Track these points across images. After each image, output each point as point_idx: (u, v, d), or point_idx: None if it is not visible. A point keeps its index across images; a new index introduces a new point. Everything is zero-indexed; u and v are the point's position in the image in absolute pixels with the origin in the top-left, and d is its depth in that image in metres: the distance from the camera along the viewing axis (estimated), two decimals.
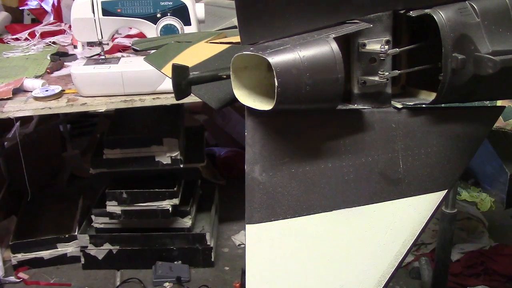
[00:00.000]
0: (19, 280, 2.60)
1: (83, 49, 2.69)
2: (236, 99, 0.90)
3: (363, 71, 0.94)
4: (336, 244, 0.94)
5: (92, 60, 2.27)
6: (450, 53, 0.91)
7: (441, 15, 0.91)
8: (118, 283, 2.57)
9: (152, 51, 1.54)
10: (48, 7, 3.18)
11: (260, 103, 0.87)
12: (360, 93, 0.96)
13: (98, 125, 3.69)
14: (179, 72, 0.97)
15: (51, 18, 3.13)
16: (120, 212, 2.52)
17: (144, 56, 1.49)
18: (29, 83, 2.17)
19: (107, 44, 2.45)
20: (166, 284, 2.55)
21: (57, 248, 2.69)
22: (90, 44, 2.60)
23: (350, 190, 0.94)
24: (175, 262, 2.63)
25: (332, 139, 0.93)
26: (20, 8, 3.27)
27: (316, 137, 0.93)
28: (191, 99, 1.11)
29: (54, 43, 2.84)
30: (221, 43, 1.27)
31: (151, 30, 2.23)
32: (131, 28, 2.81)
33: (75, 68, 2.13)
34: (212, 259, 2.66)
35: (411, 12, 0.94)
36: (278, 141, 0.90)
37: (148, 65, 1.39)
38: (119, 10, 2.17)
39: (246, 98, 0.89)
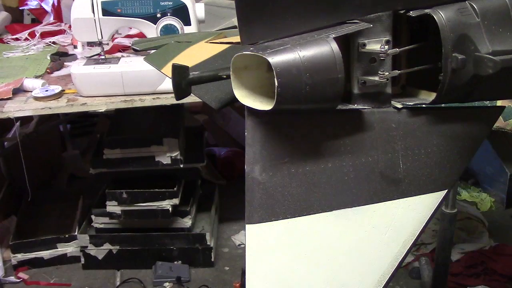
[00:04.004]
0: (19, 280, 2.60)
1: (83, 49, 2.69)
2: (236, 99, 0.90)
3: (363, 71, 0.94)
4: (336, 244, 0.94)
5: (92, 60, 2.27)
6: (450, 53, 0.91)
7: (441, 15, 0.91)
8: (118, 283, 2.57)
9: (152, 51, 1.54)
10: (48, 7, 3.17)
11: (260, 103, 0.87)
12: (360, 93, 0.96)
13: (98, 125, 3.69)
14: (179, 72, 0.97)
15: (51, 18, 3.12)
16: (120, 212, 2.52)
17: (144, 56, 1.49)
18: (29, 83, 2.17)
19: (107, 44, 2.45)
20: (166, 284, 2.55)
21: (57, 248, 2.69)
22: (90, 44, 2.59)
23: (350, 190, 0.94)
24: (175, 262, 2.63)
25: (332, 139, 0.93)
26: (20, 8, 3.26)
27: (316, 137, 0.93)
28: (191, 99, 1.11)
29: (54, 43, 2.84)
30: (221, 43, 1.27)
31: (151, 30, 2.23)
32: (131, 28, 2.80)
33: (75, 68, 2.13)
34: (212, 259, 2.66)
35: (411, 12, 0.94)
36: (278, 141, 0.90)
37: (148, 65, 1.39)
38: (119, 10, 2.17)
39: (246, 98, 0.89)
